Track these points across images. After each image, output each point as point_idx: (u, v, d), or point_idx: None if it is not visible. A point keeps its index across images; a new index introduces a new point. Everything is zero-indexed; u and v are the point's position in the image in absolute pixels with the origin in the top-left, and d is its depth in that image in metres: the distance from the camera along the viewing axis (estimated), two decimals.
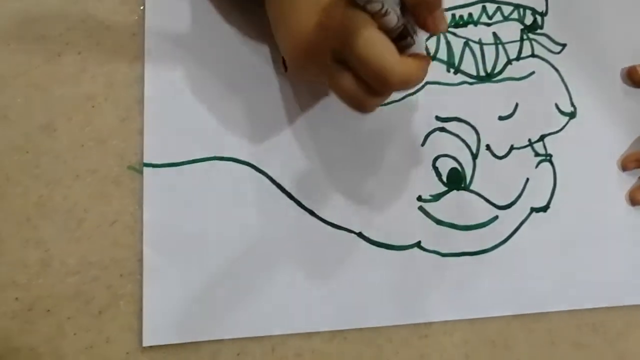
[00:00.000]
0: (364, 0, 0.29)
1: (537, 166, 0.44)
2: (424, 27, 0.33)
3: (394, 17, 0.31)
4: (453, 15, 0.45)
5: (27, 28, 0.37)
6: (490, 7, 0.46)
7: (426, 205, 0.42)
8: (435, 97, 0.43)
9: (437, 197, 0.42)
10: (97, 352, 0.35)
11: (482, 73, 0.45)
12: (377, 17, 0.30)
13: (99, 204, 0.36)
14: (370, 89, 0.32)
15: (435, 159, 0.43)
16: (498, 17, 0.46)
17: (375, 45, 0.30)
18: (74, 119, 0.37)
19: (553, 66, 0.46)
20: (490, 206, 0.43)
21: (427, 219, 0.42)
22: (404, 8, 0.31)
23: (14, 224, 0.35)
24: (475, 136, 0.44)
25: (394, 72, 0.30)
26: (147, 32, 0.38)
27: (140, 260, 0.36)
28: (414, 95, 0.43)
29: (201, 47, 0.39)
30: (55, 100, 0.36)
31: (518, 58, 0.45)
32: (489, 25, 0.46)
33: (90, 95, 0.37)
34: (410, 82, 0.32)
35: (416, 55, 0.33)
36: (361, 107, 0.33)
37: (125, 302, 0.36)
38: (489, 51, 0.45)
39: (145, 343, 0.36)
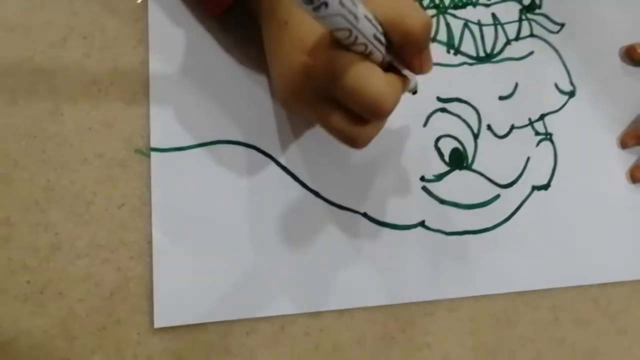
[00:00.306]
0: (349, 42, 0.28)
1: (537, 145, 0.45)
2: (409, 68, 0.32)
3: (378, 56, 0.30)
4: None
5: (32, 13, 0.37)
6: None
7: (429, 185, 0.42)
8: (436, 78, 0.43)
9: (439, 177, 0.43)
10: (108, 333, 0.36)
11: (481, 54, 0.45)
12: (362, 55, 0.29)
13: (107, 188, 0.37)
14: (360, 121, 0.31)
15: (437, 139, 0.43)
16: None
17: (365, 76, 0.29)
18: (80, 103, 0.37)
19: (552, 46, 0.46)
20: (492, 185, 0.43)
21: (430, 198, 0.42)
22: (388, 47, 0.31)
23: (23, 209, 0.35)
24: (476, 116, 0.44)
25: (387, 99, 0.29)
26: (151, 16, 0.38)
27: (149, 243, 0.37)
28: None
29: (206, 29, 0.39)
30: (61, 85, 0.37)
31: (517, 38, 0.46)
32: (487, 6, 0.46)
33: (95, 79, 0.37)
34: (398, 102, 0.31)
35: (394, 72, 0.33)
36: (353, 141, 0.32)
37: (135, 284, 0.36)
38: (488, 32, 0.45)
39: (157, 325, 0.36)
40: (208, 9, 0.38)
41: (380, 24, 0.29)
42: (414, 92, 0.38)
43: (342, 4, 0.25)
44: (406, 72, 0.33)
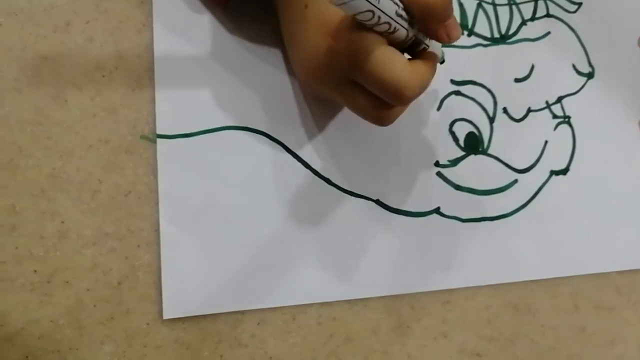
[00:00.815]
0: (372, 23, 0.28)
1: (555, 128, 0.44)
2: (436, 39, 0.32)
3: (402, 32, 0.30)
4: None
5: None
6: None
7: (444, 171, 0.41)
8: (450, 60, 0.42)
9: (455, 162, 0.41)
10: (117, 323, 0.35)
11: (496, 35, 0.44)
12: (386, 35, 0.30)
13: (113, 175, 0.36)
14: (385, 103, 0.31)
15: (452, 123, 0.42)
16: None
17: (386, 64, 0.29)
18: (84, 89, 0.36)
19: (569, 26, 0.45)
20: (510, 170, 0.42)
21: (445, 184, 0.41)
22: (411, 22, 0.31)
23: (29, 197, 0.35)
24: (491, 99, 0.43)
25: (408, 86, 0.30)
26: (155, 0, 0.37)
27: (157, 231, 0.36)
28: None
29: (211, 13, 0.38)
30: (65, 71, 0.36)
31: (533, 18, 0.45)
32: None
33: (99, 64, 0.36)
34: (425, 88, 0.32)
35: (423, 55, 0.33)
36: (380, 121, 0.33)
37: (144, 273, 0.35)
38: (503, 12, 0.44)
39: (166, 316, 0.35)
40: None
41: (401, 0, 0.29)
42: (442, 62, 0.38)
43: None
44: (432, 43, 0.34)
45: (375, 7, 0.27)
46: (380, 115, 0.32)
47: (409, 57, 0.34)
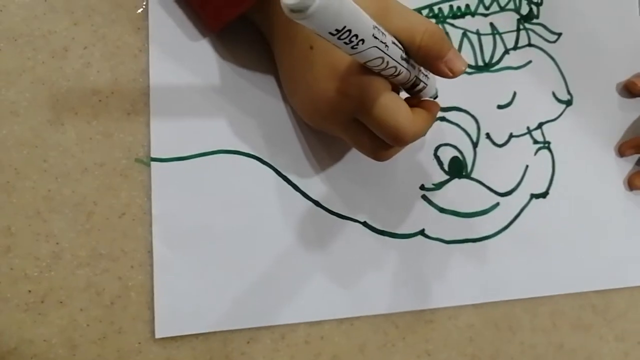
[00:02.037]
0: (380, 68, 0.30)
1: (536, 153, 0.45)
2: (439, 74, 0.33)
3: (405, 75, 0.32)
4: (451, 7, 0.45)
5: (33, 24, 0.37)
6: None
7: (429, 194, 0.43)
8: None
9: (439, 186, 0.43)
10: (109, 342, 0.36)
11: (480, 63, 0.45)
12: (391, 78, 0.32)
13: (108, 197, 0.37)
14: (386, 144, 0.34)
15: (437, 148, 0.43)
16: (495, 7, 0.46)
17: (392, 110, 0.32)
18: (80, 113, 0.37)
19: (549, 55, 0.47)
20: (492, 193, 0.44)
21: (430, 207, 0.42)
22: (412, 62, 0.33)
23: (24, 218, 0.35)
24: (475, 125, 0.44)
25: (407, 133, 0.32)
26: (152, 26, 0.38)
27: (150, 252, 0.37)
28: None
29: (207, 39, 0.39)
30: (62, 95, 0.37)
31: (515, 47, 0.46)
32: (486, 15, 0.46)
33: (96, 89, 0.37)
34: (422, 135, 0.35)
35: (425, 103, 0.36)
36: (378, 158, 0.36)
37: (136, 293, 0.36)
38: (487, 41, 0.46)
39: (158, 335, 0.36)
40: (207, 25, 0.38)
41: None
42: (435, 97, 0.41)
43: (375, 37, 0.27)
44: (430, 77, 0.36)
45: (385, 53, 0.29)
46: (378, 153, 0.35)
47: (408, 95, 0.37)
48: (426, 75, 0.35)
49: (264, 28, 0.38)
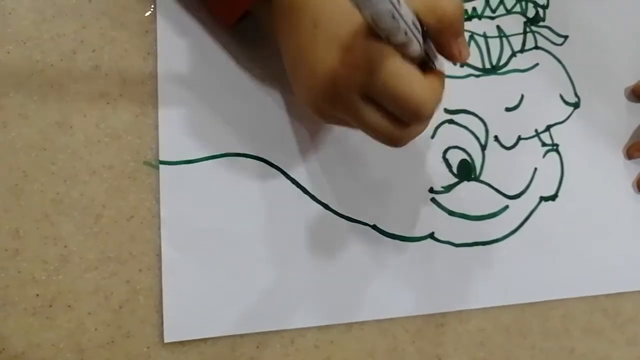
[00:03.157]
0: (386, 32, 0.27)
1: (544, 156, 0.45)
2: (448, 56, 0.32)
3: (416, 47, 0.29)
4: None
5: (42, 27, 0.37)
6: (494, 1, 0.47)
7: (438, 197, 0.42)
8: None
9: (448, 189, 0.43)
10: (118, 347, 0.35)
11: (487, 65, 0.45)
12: (400, 49, 0.29)
13: (116, 200, 0.36)
14: (401, 122, 0.31)
15: (445, 150, 0.43)
16: (501, 10, 0.47)
17: (404, 77, 0.29)
18: (89, 115, 0.37)
19: (556, 57, 0.47)
20: (501, 196, 0.44)
21: (439, 210, 0.42)
22: (424, 36, 0.30)
23: (33, 221, 0.35)
24: (483, 127, 0.44)
25: (427, 102, 0.29)
26: (160, 28, 0.38)
27: (159, 255, 0.36)
28: None
29: (215, 41, 0.39)
30: (70, 98, 0.37)
31: (522, 50, 0.46)
32: (492, 18, 0.46)
33: (104, 92, 0.37)
34: (439, 102, 0.32)
35: (434, 71, 0.32)
36: (395, 141, 0.32)
37: (145, 297, 0.36)
38: (494, 44, 0.46)
39: (167, 339, 0.36)
40: (221, 19, 0.38)
41: (415, 14, 0.29)
42: None
43: None
44: (437, 61, 0.33)
45: (396, 10, 0.26)
46: (395, 135, 0.31)
47: None
48: (435, 56, 0.33)
49: (268, 21, 0.37)
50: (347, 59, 0.30)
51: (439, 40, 0.31)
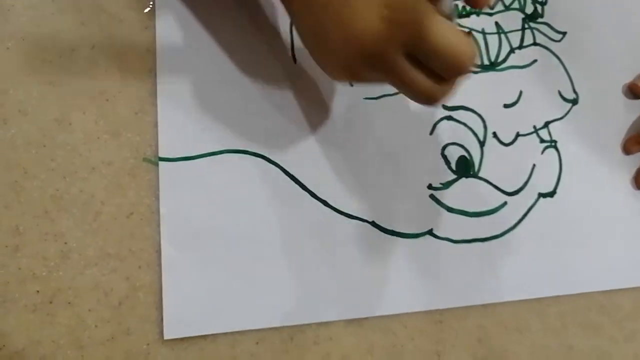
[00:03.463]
0: None
1: (542, 152, 0.45)
2: (473, 3, 0.32)
3: (448, 1, 0.30)
4: (456, 6, 0.45)
5: (41, 23, 0.37)
6: None
7: (437, 193, 0.42)
8: None
9: (447, 185, 0.43)
10: (117, 343, 0.35)
11: (486, 62, 0.45)
12: (435, 2, 0.30)
13: (116, 196, 0.37)
14: (439, 78, 0.31)
15: (444, 147, 0.43)
16: (499, 6, 0.47)
17: (447, 32, 0.29)
18: (88, 112, 0.37)
19: (554, 54, 0.47)
20: (499, 192, 0.44)
21: (438, 206, 0.42)
22: None
23: (32, 218, 0.35)
24: (481, 124, 0.44)
25: (468, 54, 0.29)
26: (159, 25, 0.38)
27: (158, 252, 0.36)
28: None
29: (213, 39, 0.39)
30: (69, 95, 0.37)
31: (520, 46, 0.46)
32: (491, 15, 0.46)
33: (103, 89, 0.37)
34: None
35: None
36: (433, 99, 0.32)
37: (144, 293, 0.36)
38: (492, 40, 0.46)
39: (167, 336, 0.36)
40: None
41: None
42: None
43: None
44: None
45: None
46: (435, 91, 0.31)
47: None
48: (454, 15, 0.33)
49: None
50: (388, 14, 0.29)
51: None
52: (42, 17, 0.37)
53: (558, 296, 0.43)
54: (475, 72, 0.45)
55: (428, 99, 0.31)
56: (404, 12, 0.29)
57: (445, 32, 0.29)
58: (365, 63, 0.31)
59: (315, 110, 0.41)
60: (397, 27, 0.29)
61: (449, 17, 0.31)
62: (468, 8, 0.46)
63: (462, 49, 0.29)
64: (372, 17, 0.29)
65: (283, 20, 0.41)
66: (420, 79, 0.30)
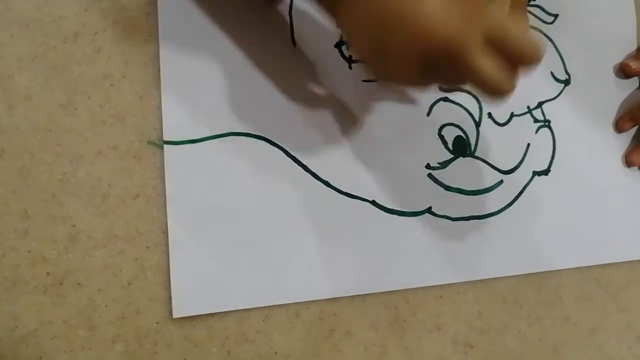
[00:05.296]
0: None
1: (536, 132, 0.46)
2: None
3: None
4: None
5: (44, 10, 0.37)
6: None
7: (435, 173, 0.43)
8: None
9: (444, 165, 0.44)
10: (128, 322, 0.36)
11: None
12: None
13: (122, 179, 0.37)
14: (509, 68, 0.30)
15: (441, 128, 0.44)
16: None
17: (520, 20, 0.29)
18: (93, 97, 0.37)
19: (547, 36, 0.48)
20: (495, 171, 0.45)
21: (436, 185, 0.43)
22: None
23: (41, 201, 0.36)
24: (477, 105, 0.45)
25: (541, 45, 0.29)
26: (161, 11, 0.39)
27: (165, 232, 0.37)
28: None
29: (215, 24, 0.40)
30: (74, 80, 0.37)
31: None
32: None
33: (107, 74, 0.38)
34: None
35: None
36: (504, 90, 0.30)
37: (153, 274, 0.37)
38: None
39: (175, 314, 0.36)
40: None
41: None
42: None
43: None
44: None
45: None
46: (507, 82, 0.30)
47: None
48: None
49: None
50: (467, 6, 0.28)
51: None
52: (45, 3, 0.37)
53: (554, 270, 0.45)
54: None
55: (499, 90, 0.30)
56: (481, 3, 0.28)
57: (520, 21, 0.28)
58: (441, 60, 0.29)
59: (316, 94, 0.42)
60: (476, 18, 0.28)
61: None
62: None
63: (533, 36, 0.29)
64: (449, 10, 0.27)
65: (282, 5, 0.42)
66: (494, 69, 0.29)
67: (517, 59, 0.29)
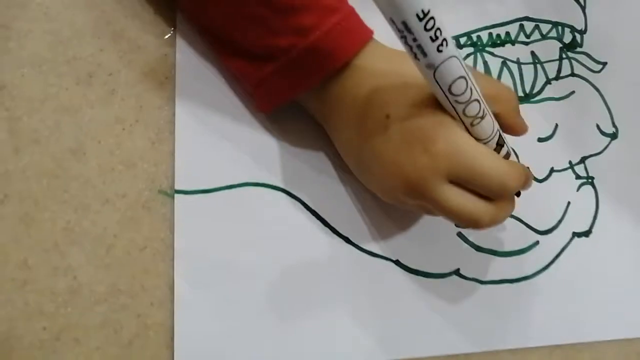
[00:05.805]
0: (462, 100, 0.28)
1: (578, 189, 0.43)
2: (513, 132, 0.34)
3: (489, 123, 0.31)
4: (490, 34, 0.44)
5: (58, 49, 0.36)
6: (528, 26, 0.45)
7: (464, 231, 0.40)
8: None
9: None
10: None
11: (520, 93, 0.43)
12: (475, 124, 0.30)
13: (129, 230, 0.35)
14: (483, 200, 0.32)
15: None
16: (536, 35, 0.45)
17: (484, 155, 0.30)
18: (103, 142, 0.36)
19: (593, 85, 0.45)
20: (531, 231, 0.42)
21: (465, 245, 0.40)
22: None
23: (42, 251, 0.34)
24: (514, 159, 0.42)
25: (511, 177, 0.31)
26: (179, 53, 0.37)
27: (171, 288, 0.35)
28: None
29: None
30: (85, 123, 0.36)
31: (557, 77, 0.44)
32: (526, 44, 0.44)
33: (120, 117, 0.36)
34: (526, 182, 0.34)
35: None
36: (481, 223, 0.32)
37: (155, 332, 0.35)
38: (528, 71, 0.44)
39: None
40: (257, 106, 0.38)
41: None
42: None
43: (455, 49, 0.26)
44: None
45: (467, 73, 0.27)
46: (480, 214, 0.32)
47: None
48: (504, 140, 0.34)
49: (318, 112, 0.37)
50: (430, 147, 0.30)
51: (506, 122, 0.33)
52: (60, 42, 0.36)
53: (591, 342, 0.41)
54: None
55: (475, 222, 0.32)
56: (446, 143, 0.30)
57: (484, 155, 0.30)
58: (411, 194, 0.32)
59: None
60: (440, 159, 0.30)
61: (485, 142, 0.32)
62: (503, 37, 0.44)
63: (502, 168, 0.31)
64: (415, 150, 0.30)
65: None
66: (467, 202, 0.31)
67: (486, 192, 0.31)
